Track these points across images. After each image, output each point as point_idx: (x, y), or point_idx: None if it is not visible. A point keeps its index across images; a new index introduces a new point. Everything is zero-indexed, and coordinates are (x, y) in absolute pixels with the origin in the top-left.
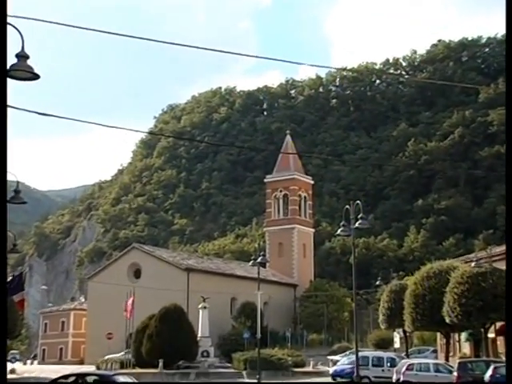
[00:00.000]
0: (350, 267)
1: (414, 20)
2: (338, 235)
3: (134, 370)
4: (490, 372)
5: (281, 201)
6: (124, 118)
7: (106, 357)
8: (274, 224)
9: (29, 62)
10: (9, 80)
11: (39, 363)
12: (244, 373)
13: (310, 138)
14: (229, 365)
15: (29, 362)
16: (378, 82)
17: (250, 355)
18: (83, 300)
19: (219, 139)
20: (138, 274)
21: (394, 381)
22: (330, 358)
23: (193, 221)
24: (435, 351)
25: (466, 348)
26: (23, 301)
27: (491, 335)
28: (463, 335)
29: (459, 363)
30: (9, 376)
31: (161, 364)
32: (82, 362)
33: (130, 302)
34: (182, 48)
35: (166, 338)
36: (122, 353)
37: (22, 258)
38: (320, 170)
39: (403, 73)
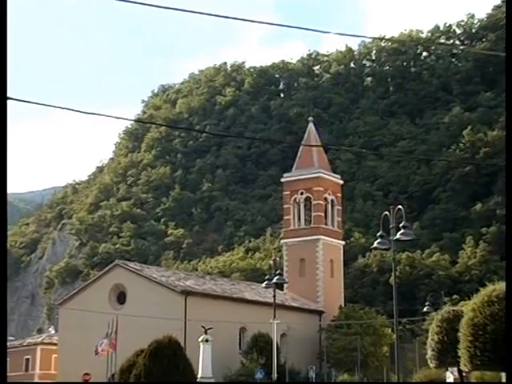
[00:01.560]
0: (390, 289)
1: None
2: (375, 249)
3: None
4: None
5: (302, 206)
6: (104, 102)
7: None
8: (294, 235)
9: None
10: None
11: None
12: None
13: (339, 127)
14: None
15: None
16: (424, 54)
17: None
18: (53, 332)
19: (224, 128)
20: (122, 298)
21: None
22: None
23: (191, 231)
24: None
25: None
26: None
27: None
28: None
29: None
30: None
31: None
32: None
33: (102, 343)
34: (177, 14)
35: (157, 379)
36: None
37: None
38: (351, 167)
39: (457, 43)
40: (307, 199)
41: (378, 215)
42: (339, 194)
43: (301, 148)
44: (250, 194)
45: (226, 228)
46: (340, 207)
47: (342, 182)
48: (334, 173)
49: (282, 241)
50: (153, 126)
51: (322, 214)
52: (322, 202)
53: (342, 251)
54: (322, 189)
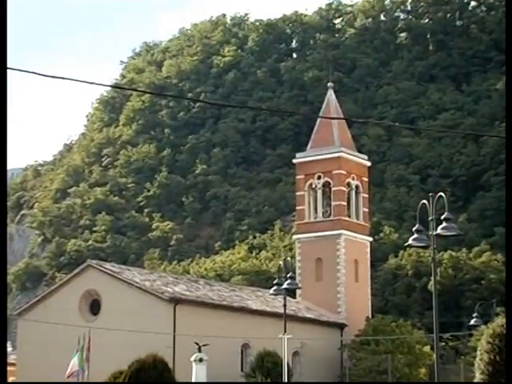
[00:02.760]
0: (429, 297)
1: None
2: (410, 246)
3: None
4: None
5: (319, 193)
6: (74, 63)
7: None
8: (309, 229)
9: None
10: None
11: None
12: None
13: (366, 95)
14: None
15: None
16: (473, 4)
17: None
18: (9, 349)
19: (223, 97)
20: (95, 308)
21: None
22: None
23: (182, 225)
24: None
25: None
26: None
27: None
28: None
29: None
30: None
31: None
32: None
33: (73, 363)
34: None
35: None
36: None
37: None
38: (381, 145)
39: None
40: (326, 185)
41: (413, 205)
42: (365, 179)
43: (318, 121)
44: (254, 178)
45: (225, 221)
46: (367, 195)
47: (369, 163)
48: (360, 152)
49: (294, 236)
50: (134, 94)
51: (345, 204)
52: (344, 189)
53: (368, 249)
54: (344, 172)
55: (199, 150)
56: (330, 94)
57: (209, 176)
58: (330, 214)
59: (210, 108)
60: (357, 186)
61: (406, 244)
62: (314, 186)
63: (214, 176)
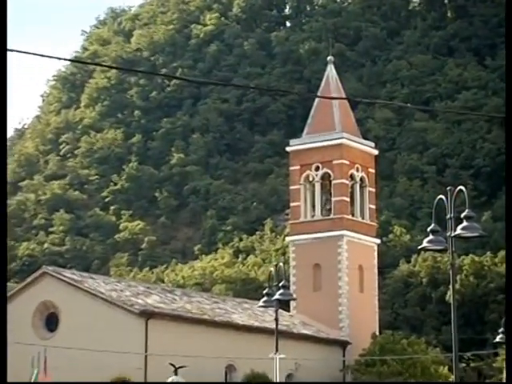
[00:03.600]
0: (447, 309)
1: None
2: (425, 250)
3: None
4: None
5: (317, 187)
6: (26, 34)
7: None
8: (306, 230)
9: None
10: None
11: None
12: None
13: (372, 71)
14: None
15: None
16: None
17: None
18: None
19: (203, 73)
20: (52, 322)
21: None
22: None
23: (154, 224)
24: None
25: None
26: None
27: None
28: None
29: None
30: None
31: None
32: None
33: None
34: None
35: None
36: None
37: None
38: (390, 130)
39: None
40: (325, 177)
41: (429, 201)
42: (372, 170)
43: (316, 102)
44: (240, 169)
45: (206, 220)
46: (373, 189)
47: (376, 151)
48: (365, 139)
49: (288, 238)
50: (98, 70)
51: (347, 200)
52: (346, 182)
53: (375, 254)
54: (346, 162)
55: (175, 136)
56: (330, 70)
57: (187, 167)
58: (330, 211)
59: (187, 86)
60: (362, 179)
61: (420, 247)
62: (311, 178)
63: (192, 167)
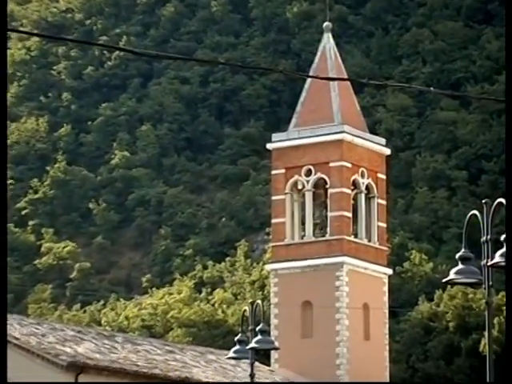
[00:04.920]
0: (481, 363)
1: None
2: (452, 283)
3: None
4: None
5: (309, 197)
6: None
7: None
8: (292, 255)
9: None
10: None
11: None
12: None
13: (383, 43)
14: None
15: None
16: None
17: None
18: None
19: (156, 43)
20: None
21: None
22: None
23: (88, 246)
24: None
25: None
26: None
27: None
28: None
29: None
30: None
31: None
32: None
33: None
34: None
35: None
36: None
37: None
38: (407, 123)
39: None
40: (319, 185)
41: (458, 218)
42: (383, 176)
43: (307, 84)
44: (205, 173)
45: (158, 241)
46: (384, 201)
47: (388, 151)
48: (374, 134)
49: (269, 267)
50: (13, 37)
51: (349, 215)
52: (348, 191)
53: (386, 288)
54: (348, 165)
55: (118, 128)
56: (328, 41)
57: (132, 169)
58: (326, 231)
59: (135, 60)
60: (368, 187)
61: (446, 279)
62: (300, 186)
63: (140, 169)
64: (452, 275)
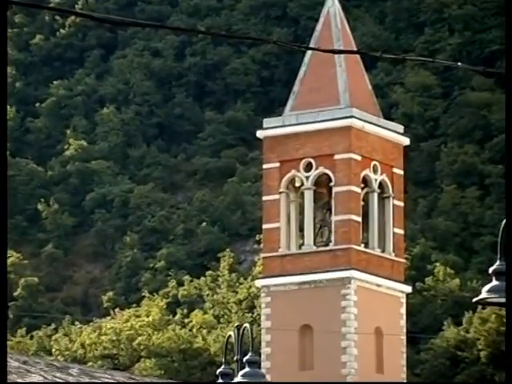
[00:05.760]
0: None
1: None
2: (484, 304)
3: None
4: None
5: (308, 197)
6: None
7: None
8: (288, 269)
9: None
10: None
11: None
12: None
13: (400, 7)
14: None
15: None
16: None
17: None
18: None
19: (121, 7)
20: None
21: None
22: None
23: (35, 257)
24: None
25: None
26: None
27: None
28: None
29: None
30: None
31: None
32: None
33: None
34: None
35: None
36: None
37: None
38: (431, 106)
39: None
40: (322, 182)
41: (492, 222)
42: (400, 171)
43: (307, 57)
44: (181, 167)
45: (122, 250)
46: (401, 202)
47: (407, 140)
48: (389, 119)
49: (259, 282)
50: None
51: (359, 219)
52: (357, 190)
53: (404, 309)
54: (357, 157)
55: (73, 111)
56: (332, 4)
57: (91, 162)
58: (330, 238)
59: (94, 28)
60: (382, 185)
61: (477, 299)
62: (298, 183)
63: (101, 162)
64: (484, 294)
